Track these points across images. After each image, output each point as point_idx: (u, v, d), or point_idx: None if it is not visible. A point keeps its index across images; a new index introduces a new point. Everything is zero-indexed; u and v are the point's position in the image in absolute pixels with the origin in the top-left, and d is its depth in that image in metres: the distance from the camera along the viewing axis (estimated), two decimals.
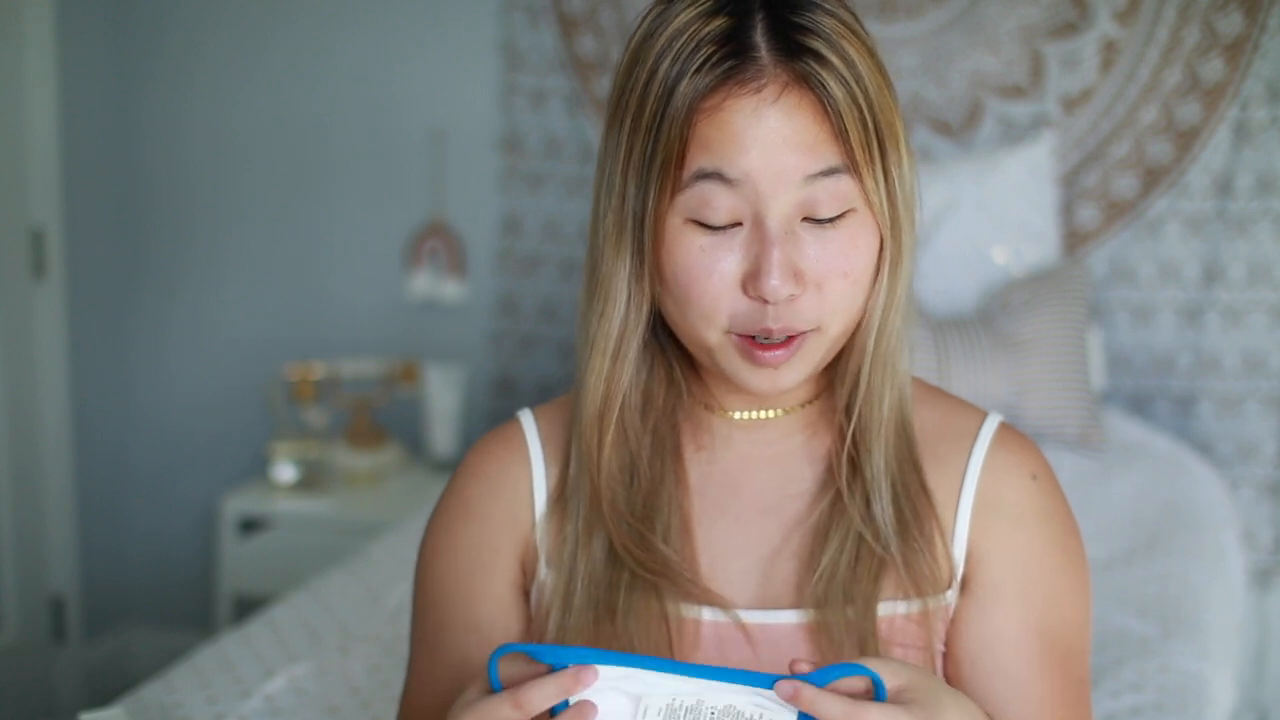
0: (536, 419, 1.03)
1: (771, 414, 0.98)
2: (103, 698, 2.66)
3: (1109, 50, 2.40)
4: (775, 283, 0.84)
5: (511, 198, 2.77)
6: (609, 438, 0.95)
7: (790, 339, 0.88)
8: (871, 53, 0.87)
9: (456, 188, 2.83)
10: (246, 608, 2.63)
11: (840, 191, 0.86)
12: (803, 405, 0.98)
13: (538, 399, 2.40)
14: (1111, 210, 2.43)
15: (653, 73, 0.86)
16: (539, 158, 2.73)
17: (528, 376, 2.81)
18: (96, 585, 3.01)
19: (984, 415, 1.00)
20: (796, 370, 0.90)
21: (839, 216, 0.86)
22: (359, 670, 1.62)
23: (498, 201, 2.79)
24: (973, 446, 0.97)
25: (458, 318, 2.86)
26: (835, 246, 0.86)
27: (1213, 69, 2.34)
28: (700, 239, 0.87)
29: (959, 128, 2.49)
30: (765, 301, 0.86)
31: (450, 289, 2.83)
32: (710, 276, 0.87)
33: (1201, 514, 2.08)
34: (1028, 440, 1.00)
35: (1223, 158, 2.35)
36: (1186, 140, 2.37)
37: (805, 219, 0.86)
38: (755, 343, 0.88)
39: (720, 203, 0.85)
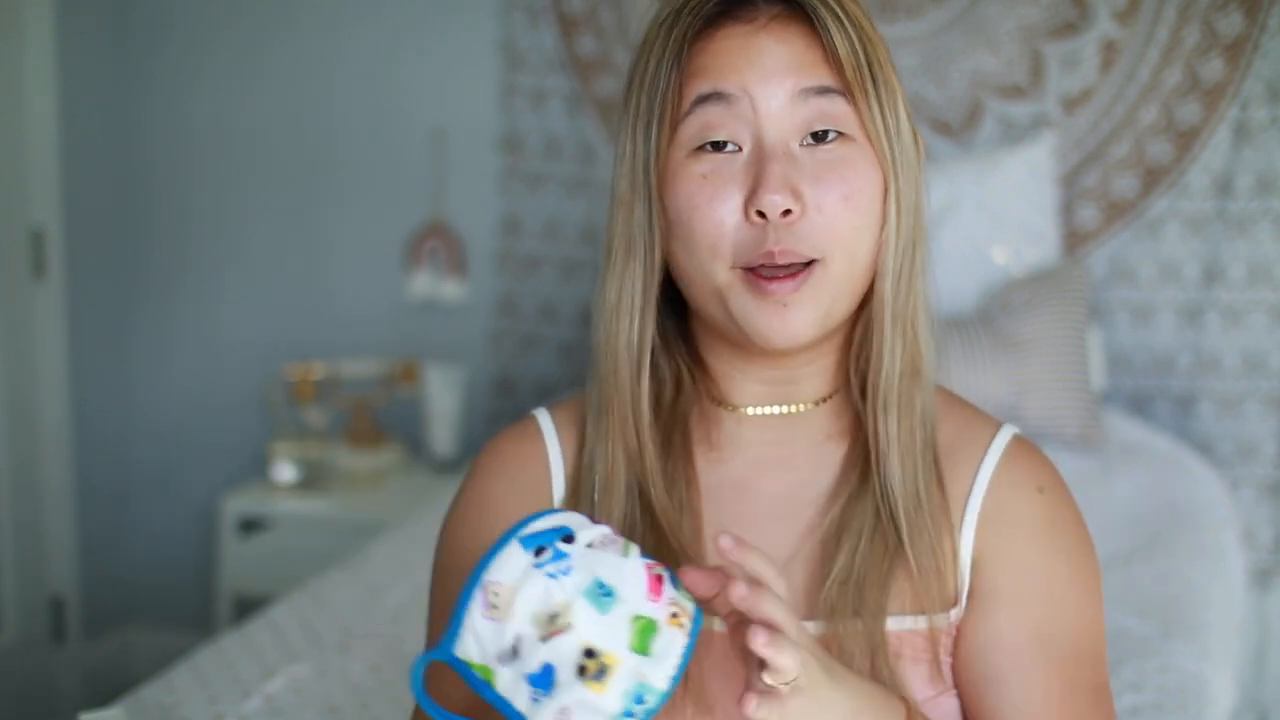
0: (553, 416, 1.03)
1: (785, 409, 0.98)
2: (103, 698, 2.65)
3: (1109, 50, 2.40)
4: (775, 197, 0.86)
5: (511, 198, 2.77)
6: (644, 387, 0.95)
7: (796, 273, 0.88)
8: (864, 12, 0.92)
9: (456, 188, 2.83)
10: (246, 608, 2.63)
11: (837, 114, 0.89)
12: (816, 403, 0.98)
13: (538, 399, 2.40)
14: (1111, 210, 2.43)
15: (658, 25, 0.92)
16: (539, 158, 2.73)
17: (528, 376, 2.81)
18: (96, 585, 3.01)
19: (998, 428, 0.99)
20: (807, 311, 0.89)
21: (837, 139, 0.89)
22: (359, 670, 1.62)
23: (498, 201, 2.79)
24: (982, 460, 0.96)
25: (458, 318, 2.86)
26: (834, 170, 0.89)
27: (1213, 69, 2.34)
28: (701, 166, 0.90)
29: (959, 128, 2.49)
30: (764, 219, 0.87)
31: (450, 289, 2.83)
32: (711, 202, 0.89)
33: (1201, 514, 2.08)
34: (1039, 454, 0.99)
35: (1223, 158, 2.35)
36: (1186, 140, 2.37)
37: (803, 144, 0.89)
38: (761, 276, 0.88)
39: (720, 122, 0.89)
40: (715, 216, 0.89)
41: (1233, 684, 1.73)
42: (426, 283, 2.83)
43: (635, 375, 0.95)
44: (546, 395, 2.70)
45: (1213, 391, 2.40)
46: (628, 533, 0.95)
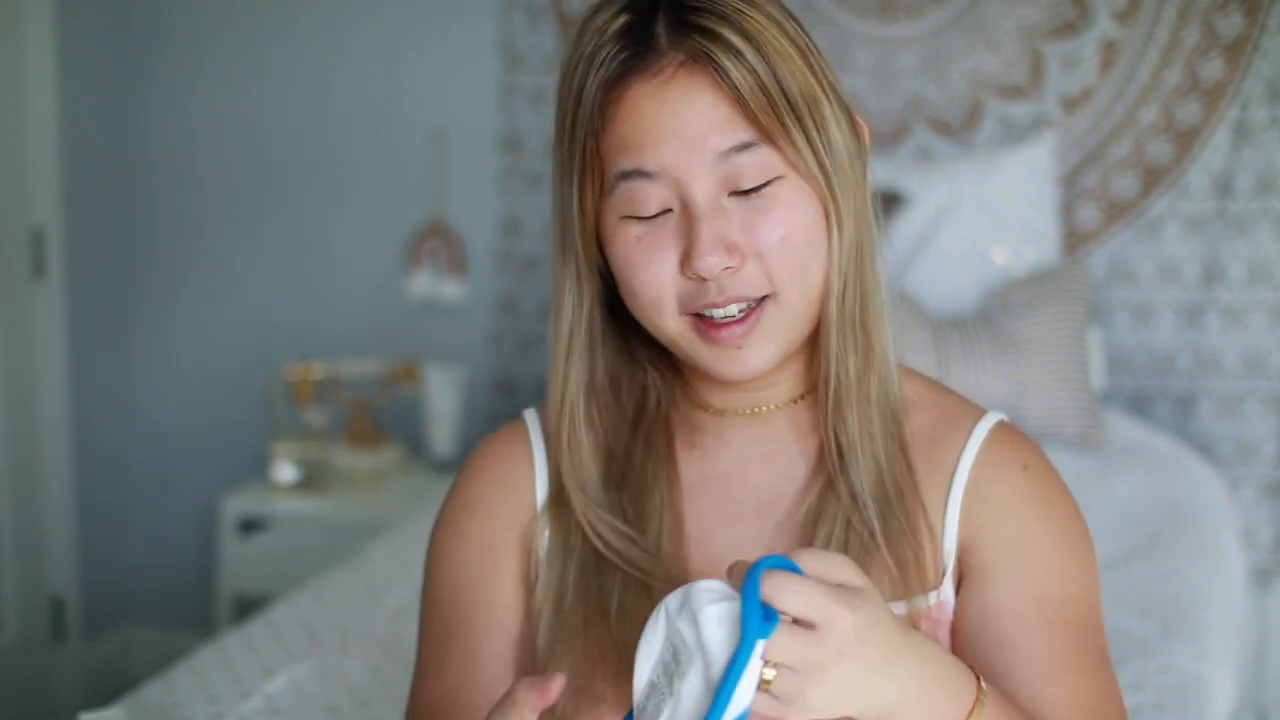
0: (541, 417, 1.04)
1: (762, 409, 0.98)
2: (103, 698, 2.65)
3: (1109, 50, 2.40)
4: (709, 259, 0.86)
5: (511, 198, 2.77)
6: (565, 436, 0.97)
7: (746, 315, 0.88)
8: (779, 22, 0.88)
9: (456, 188, 2.83)
10: (246, 608, 2.63)
11: (761, 163, 0.87)
12: (794, 401, 0.98)
13: (537, 399, 2.40)
14: (1111, 210, 2.43)
15: (570, 81, 0.90)
16: (539, 158, 2.73)
17: (528, 376, 2.81)
18: (96, 585, 3.01)
19: (981, 414, 0.99)
20: (762, 349, 0.89)
21: (766, 185, 0.88)
22: (359, 670, 1.62)
23: (498, 201, 2.79)
24: (964, 446, 0.96)
25: (458, 318, 2.86)
26: (767, 215, 0.88)
27: (1213, 69, 2.34)
28: (635, 229, 0.89)
29: (959, 128, 2.49)
30: (703, 279, 0.87)
31: (450, 289, 2.83)
32: (649, 265, 0.89)
33: (1201, 514, 2.08)
34: (1024, 437, 0.99)
35: (1223, 158, 2.35)
36: (1186, 140, 2.37)
37: (732, 193, 0.88)
38: (710, 323, 0.89)
39: (646, 195, 0.88)
40: (654, 279, 0.89)
41: (1233, 684, 1.73)
42: (426, 283, 2.83)
43: (573, 423, 0.97)
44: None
45: (1213, 391, 2.40)
46: (598, 558, 0.95)
